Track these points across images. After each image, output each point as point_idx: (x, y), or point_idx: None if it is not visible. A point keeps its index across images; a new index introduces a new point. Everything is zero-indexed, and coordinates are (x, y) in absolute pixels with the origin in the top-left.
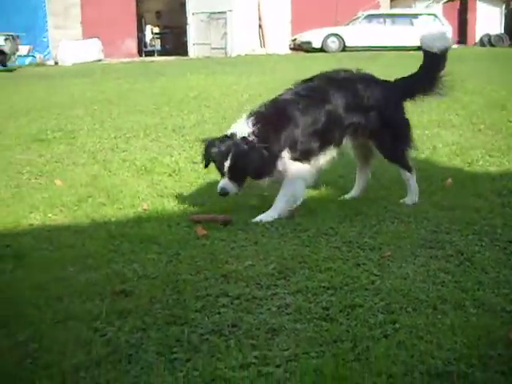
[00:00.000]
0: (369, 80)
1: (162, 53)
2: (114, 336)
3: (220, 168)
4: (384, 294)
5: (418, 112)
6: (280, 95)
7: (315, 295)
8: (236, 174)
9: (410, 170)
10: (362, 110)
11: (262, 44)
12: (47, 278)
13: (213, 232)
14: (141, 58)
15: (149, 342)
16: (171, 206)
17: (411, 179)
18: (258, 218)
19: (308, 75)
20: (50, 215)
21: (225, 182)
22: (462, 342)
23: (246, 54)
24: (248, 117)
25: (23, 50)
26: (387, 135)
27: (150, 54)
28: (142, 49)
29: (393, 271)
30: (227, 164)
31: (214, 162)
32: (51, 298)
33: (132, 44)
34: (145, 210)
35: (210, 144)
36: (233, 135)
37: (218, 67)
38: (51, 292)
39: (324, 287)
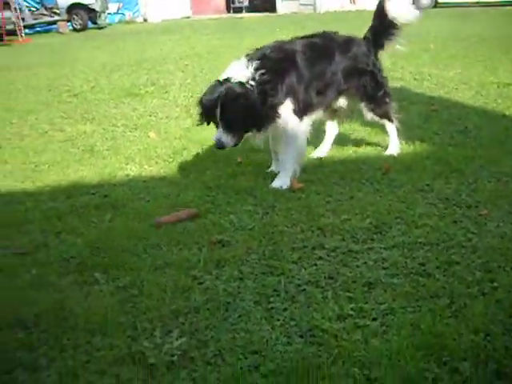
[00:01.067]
0: (359, 41)
1: (250, 9)
2: (212, 284)
3: (212, 118)
4: (481, 252)
5: None
6: (285, 42)
7: (411, 251)
8: (230, 124)
9: (393, 121)
10: (357, 71)
11: (352, 0)
12: (144, 227)
13: (308, 185)
14: (229, 15)
15: (246, 291)
16: (265, 159)
17: (394, 130)
18: (273, 185)
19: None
20: (145, 167)
21: (220, 134)
22: None
23: (334, 11)
24: (249, 59)
25: (113, 8)
26: (375, 92)
27: (238, 10)
28: (230, 5)
29: (490, 230)
30: (218, 112)
31: (206, 111)
32: (149, 246)
33: (220, 0)
34: (240, 162)
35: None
36: (228, 80)
37: (307, 23)
38: (149, 240)
39: (420, 243)
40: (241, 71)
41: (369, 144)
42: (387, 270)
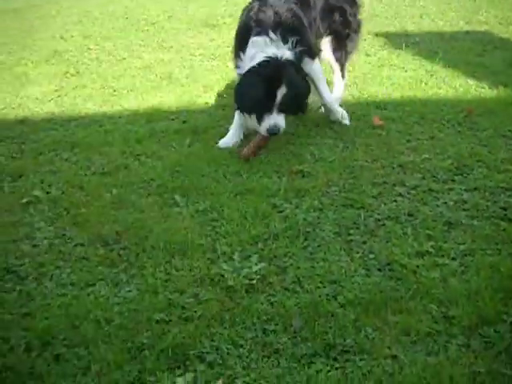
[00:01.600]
0: None
1: None
2: (292, 213)
3: (266, 100)
4: None
5: None
6: None
7: (493, 194)
8: (289, 106)
9: (344, 77)
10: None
11: None
12: (225, 154)
13: (388, 123)
14: None
15: (326, 222)
16: (345, 94)
17: (340, 84)
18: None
19: None
20: (224, 95)
21: (276, 118)
22: None
23: None
24: (273, 30)
25: None
26: (342, 30)
27: None
28: None
29: None
30: (281, 93)
31: (255, 93)
32: (229, 173)
33: None
34: None
35: (248, 75)
36: (276, 59)
37: None
38: (229, 167)
39: (502, 187)
40: (279, 47)
41: (450, 86)
42: (468, 211)
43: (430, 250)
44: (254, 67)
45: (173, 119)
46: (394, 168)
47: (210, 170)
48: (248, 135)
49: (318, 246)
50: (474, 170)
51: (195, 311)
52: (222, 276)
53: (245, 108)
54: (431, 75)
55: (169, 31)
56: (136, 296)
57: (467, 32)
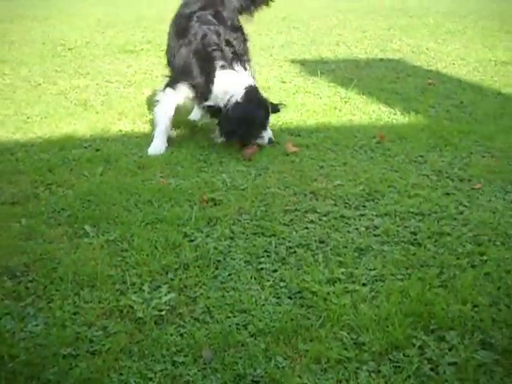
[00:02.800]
0: None
1: None
2: (203, 242)
3: (264, 125)
4: (472, 225)
5: None
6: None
7: (403, 219)
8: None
9: None
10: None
11: None
12: (136, 183)
13: (302, 150)
14: None
15: (236, 250)
16: None
17: None
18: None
19: (399, 4)
20: (138, 123)
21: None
22: None
23: None
24: (234, 59)
25: None
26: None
27: None
28: None
29: (482, 204)
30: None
31: (258, 117)
32: (140, 202)
33: None
34: None
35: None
36: (252, 87)
37: None
38: (140, 196)
39: (412, 213)
40: (245, 76)
41: (364, 113)
42: (378, 237)
43: (341, 276)
44: (245, 96)
45: (86, 147)
46: (306, 195)
47: (122, 198)
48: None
49: (229, 274)
50: (385, 195)
51: (103, 344)
52: (132, 307)
53: (244, 134)
54: (345, 102)
55: (86, 57)
56: (43, 330)
57: (381, 59)
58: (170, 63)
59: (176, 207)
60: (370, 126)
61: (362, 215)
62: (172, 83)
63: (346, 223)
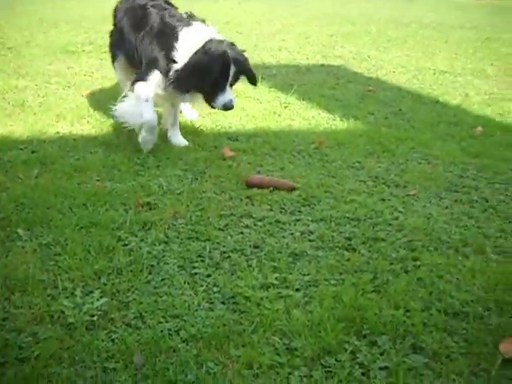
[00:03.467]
0: None
1: None
2: (137, 246)
3: (222, 77)
4: (407, 231)
5: (451, 59)
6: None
7: (338, 225)
8: (234, 83)
9: None
10: None
11: None
12: (72, 186)
13: (240, 155)
14: None
15: (170, 255)
16: (198, 125)
17: None
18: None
19: (343, 11)
20: (77, 125)
21: (232, 94)
22: (480, 286)
23: None
24: (200, 22)
25: None
26: None
27: None
28: None
29: (417, 210)
30: (232, 71)
31: (221, 72)
32: (75, 205)
33: None
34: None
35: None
36: (222, 41)
37: None
38: (76, 199)
39: (348, 218)
40: (215, 32)
41: (303, 118)
42: (313, 242)
43: (275, 281)
44: (203, 48)
45: (22, 149)
46: (242, 200)
47: (57, 202)
48: None
49: (162, 279)
50: (321, 200)
51: (33, 351)
52: (63, 313)
53: (196, 85)
54: (285, 107)
55: (26, 57)
56: None
57: (323, 65)
58: (129, 58)
59: (111, 211)
60: (308, 132)
61: (298, 220)
62: (142, 75)
63: (281, 228)
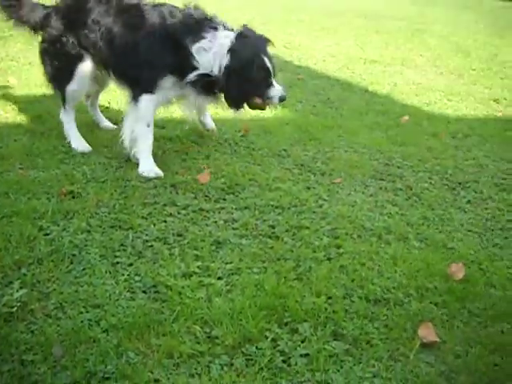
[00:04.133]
0: None
1: None
2: (58, 235)
3: (269, 73)
4: (331, 219)
5: (382, 48)
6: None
7: (263, 213)
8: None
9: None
10: None
11: None
12: None
13: (165, 142)
14: None
15: (92, 244)
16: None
17: None
18: None
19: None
20: (1, 112)
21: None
22: (401, 272)
23: None
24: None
25: None
26: None
27: None
28: None
29: (341, 198)
30: (272, 64)
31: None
32: None
33: None
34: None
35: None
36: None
37: None
38: None
39: (272, 206)
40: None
41: None
42: (237, 230)
43: (197, 270)
44: (239, 40)
45: None
46: (166, 188)
47: None
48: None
49: (83, 269)
50: (245, 188)
51: None
52: None
53: (248, 92)
54: None
55: None
56: None
57: None
58: (124, 68)
59: (33, 200)
60: (235, 120)
61: (222, 208)
62: (147, 85)
63: (205, 216)
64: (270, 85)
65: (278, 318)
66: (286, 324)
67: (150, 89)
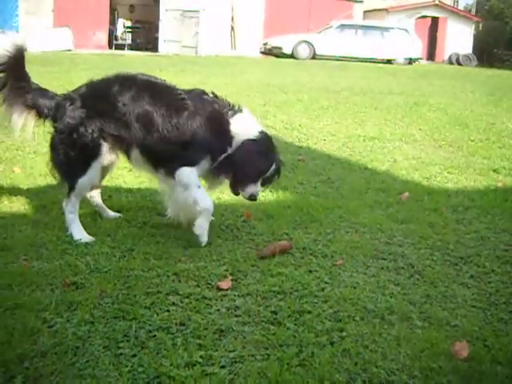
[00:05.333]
0: None
1: (133, 47)
2: (62, 327)
3: (258, 174)
4: (333, 302)
5: (381, 125)
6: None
7: (265, 299)
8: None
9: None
10: None
11: (233, 46)
12: None
13: (168, 230)
14: (111, 51)
15: (96, 336)
16: (128, 200)
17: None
18: None
19: (276, 80)
20: (5, 202)
21: (259, 186)
22: (405, 353)
23: (216, 55)
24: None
25: None
26: None
27: (121, 47)
28: (113, 42)
29: (343, 280)
30: (272, 170)
31: (266, 169)
32: (0, 286)
33: (103, 36)
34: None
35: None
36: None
37: (187, 66)
38: (1, 279)
39: (274, 291)
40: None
41: None
42: (239, 317)
43: (200, 359)
44: (260, 138)
45: None
46: (169, 276)
47: None
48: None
49: (87, 361)
50: (247, 275)
51: None
52: None
53: (249, 179)
54: None
55: None
56: None
57: None
58: (163, 147)
59: (37, 291)
60: (237, 205)
61: (224, 296)
62: (188, 161)
63: (208, 304)
64: (254, 181)
65: None
66: None
67: (190, 164)
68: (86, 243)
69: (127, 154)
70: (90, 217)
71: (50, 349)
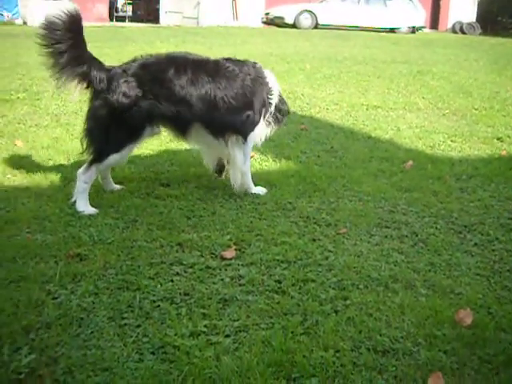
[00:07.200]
0: None
1: (133, 19)
2: (66, 299)
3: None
4: (337, 270)
5: (384, 93)
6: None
7: (269, 268)
8: None
9: None
10: None
11: (235, 16)
12: (1, 239)
13: (171, 201)
14: (111, 23)
15: (100, 307)
16: (131, 171)
17: None
18: None
19: (278, 50)
20: (8, 176)
21: None
22: (409, 321)
23: (217, 26)
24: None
25: None
26: None
27: (121, 19)
28: (114, 14)
29: (347, 248)
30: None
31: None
32: (5, 259)
33: (103, 8)
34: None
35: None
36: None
37: (189, 37)
38: (5, 252)
39: (278, 260)
40: None
41: None
42: (243, 286)
43: (204, 329)
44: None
45: None
46: (172, 247)
47: None
48: None
49: (91, 332)
50: (251, 244)
51: None
52: None
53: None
54: None
55: None
56: None
57: None
58: (226, 118)
59: (41, 264)
60: None
61: (228, 265)
62: (253, 126)
63: (212, 274)
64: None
65: (286, 374)
66: (295, 380)
67: (254, 128)
68: (90, 215)
69: (183, 131)
70: (93, 188)
71: (55, 320)
